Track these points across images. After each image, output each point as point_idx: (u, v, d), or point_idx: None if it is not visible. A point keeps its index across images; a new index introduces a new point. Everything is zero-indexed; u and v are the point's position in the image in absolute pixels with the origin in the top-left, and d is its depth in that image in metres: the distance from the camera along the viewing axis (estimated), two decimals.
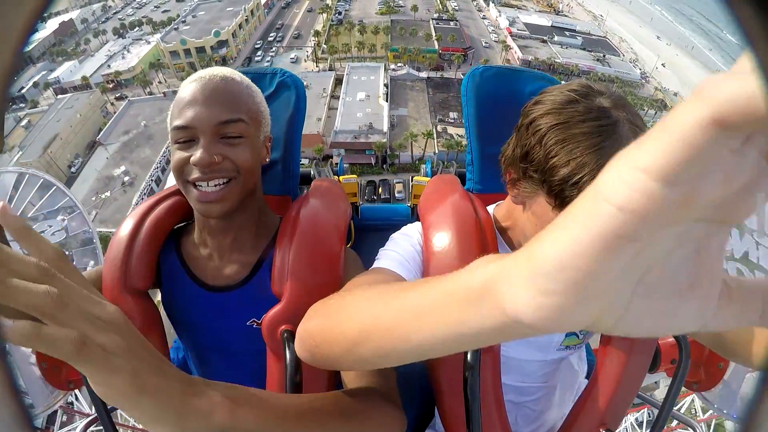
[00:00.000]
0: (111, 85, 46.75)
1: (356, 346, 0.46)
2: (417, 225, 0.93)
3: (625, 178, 0.21)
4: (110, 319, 0.40)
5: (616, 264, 0.23)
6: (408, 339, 0.39)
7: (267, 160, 0.94)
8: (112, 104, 45.24)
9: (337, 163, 1.68)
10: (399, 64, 47.12)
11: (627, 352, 0.88)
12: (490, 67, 1.07)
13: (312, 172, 1.39)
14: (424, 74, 44.71)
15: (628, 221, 0.21)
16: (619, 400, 0.89)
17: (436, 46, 49.46)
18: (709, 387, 1.27)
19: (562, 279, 0.24)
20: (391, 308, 0.42)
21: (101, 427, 0.88)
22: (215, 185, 0.83)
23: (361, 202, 1.53)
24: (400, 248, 0.85)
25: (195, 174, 0.82)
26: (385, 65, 45.63)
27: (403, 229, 0.94)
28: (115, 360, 0.39)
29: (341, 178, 1.53)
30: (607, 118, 0.67)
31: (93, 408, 0.88)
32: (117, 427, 0.89)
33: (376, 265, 0.83)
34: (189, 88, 0.85)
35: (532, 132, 0.73)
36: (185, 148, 0.83)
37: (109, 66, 48.75)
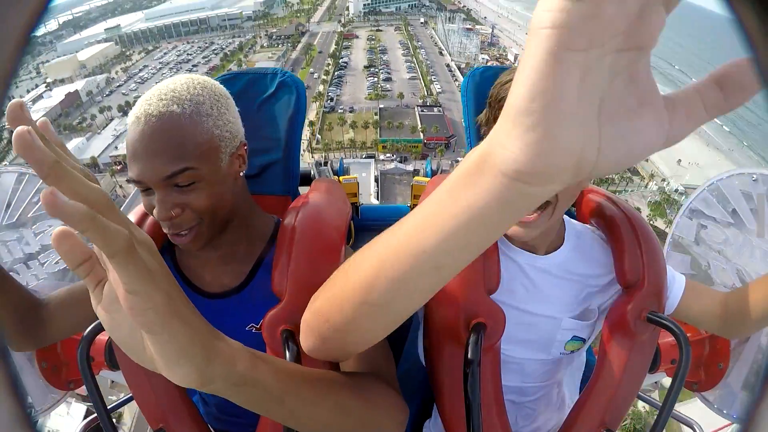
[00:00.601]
0: (119, 167, 46.49)
1: (370, 291, 0.45)
2: None
3: (545, 7, 0.27)
4: (146, 241, 0.40)
5: (570, 79, 0.27)
6: (422, 251, 0.39)
7: (242, 171, 0.89)
8: (120, 187, 45.14)
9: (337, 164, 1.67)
10: (388, 155, 52.94)
11: (627, 352, 0.87)
12: (490, 67, 1.07)
13: (312, 172, 1.39)
14: (410, 167, 47.74)
15: (559, 34, 0.26)
16: (620, 401, 0.89)
17: (422, 137, 55.08)
18: (709, 387, 1.27)
19: (535, 108, 0.28)
20: (398, 233, 0.42)
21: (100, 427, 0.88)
22: (182, 233, 0.83)
23: (361, 203, 1.53)
24: None
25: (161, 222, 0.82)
26: (375, 157, 51.22)
27: None
28: (155, 276, 0.39)
29: (341, 178, 1.53)
30: None
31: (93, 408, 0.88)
32: (117, 428, 0.89)
33: None
34: (131, 131, 0.79)
35: (501, 77, 0.85)
36: (147, 194, 0.82)
37: (116, 147, 48.80)
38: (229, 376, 0.46)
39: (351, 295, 0.48)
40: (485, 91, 0.98)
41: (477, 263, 0.84)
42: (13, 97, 0.37)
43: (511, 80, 0.74)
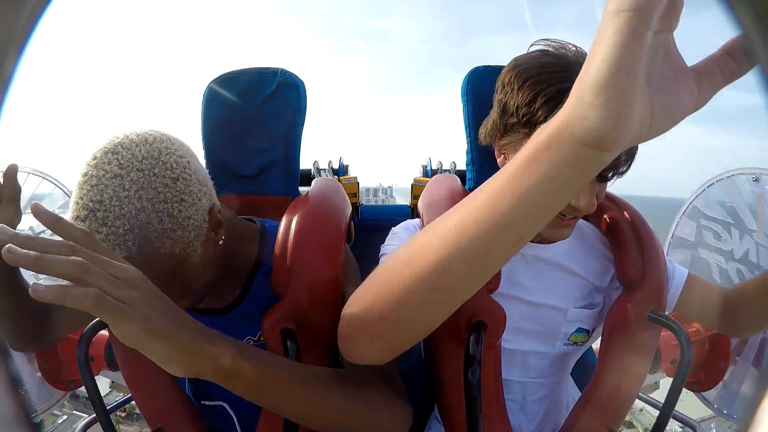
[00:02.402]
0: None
1: (444, 276, 0.45)
2: (416, 220, 0.94)
3: None
4: (127, 277, 0.50)
5: (643, 55, 0.33)
6: (504, 222, 0.41)
7: (221, 237, 0.76)
8: None
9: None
10: None
11: (628, 352, 0.87)
12: (490, 66, 1.07)
13: (312, 172, 1.39)
14: None
15: (640, 16, 0.32)
16: (620, 400, 0.89)
17: None
18: (709, 387, 1.27)
19: (618, 81, 0.33)
20: (470, 209, 0.44)
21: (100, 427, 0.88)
22: None
23: (361, 203, 1.53)
24: (403, 240, 0.87)
25: None
26: None
27: (402, 223, 0.95)
28: (129, 310, 0.48)
29: (341, 178, 1.52)
30: (565, 56, 0.77)
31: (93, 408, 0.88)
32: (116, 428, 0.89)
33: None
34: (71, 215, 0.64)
35: (508, 87, 0.79)
36: None
37: None
38: (215, 371, 0.55)
39: (418, 284, 0.47)
40: (485, 90, 0.97)
41: None
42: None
43: (531, 76, 0.75)
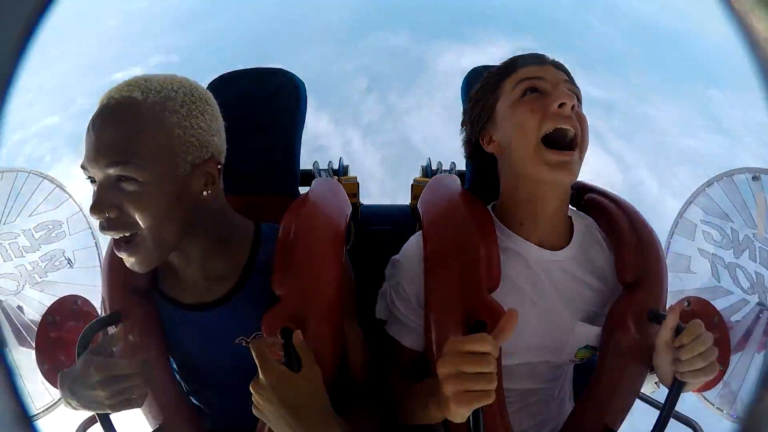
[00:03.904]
0: None
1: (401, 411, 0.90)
2: (415, 241, 0.94)
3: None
4: (287, 379, 0.74)
5: None
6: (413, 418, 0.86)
7: (208, 191, 0.78)
8: None
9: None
10: None
11: (628, 351, 0.87)
12: (489, 66, 1.07)
13: (312, 173, 1.39)
14: None
15: None
16: (621, 401, 0.89)
17: None
18: (709, 387, 1.27)
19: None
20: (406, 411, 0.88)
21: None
22: (120, 238, 0.74)
23: (361, 203, 1.53)
24: (402, 305, 0.93)
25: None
26: None
27: (404, 250, 0.97)
28: (273, 408, 0.72)
29: (341, 178, 1.52)
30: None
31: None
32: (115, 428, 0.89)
33: (390, 331, 0.95)
34: (95, 112, 0.73)
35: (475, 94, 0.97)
36: (93, 185, 0.73)
37: None
38: None
39: (402, 418, 0.91)
40: None
41: (476, 262, 0.84)
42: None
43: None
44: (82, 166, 0.72)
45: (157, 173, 0.71)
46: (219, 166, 0.80)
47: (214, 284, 0.86)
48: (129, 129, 0.70)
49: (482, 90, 0.95)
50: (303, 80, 1.14)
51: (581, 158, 0.85)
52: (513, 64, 0.91)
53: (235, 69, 1.14)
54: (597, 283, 0.93)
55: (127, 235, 0.73)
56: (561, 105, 0.81)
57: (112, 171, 0.70)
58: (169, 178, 0.73)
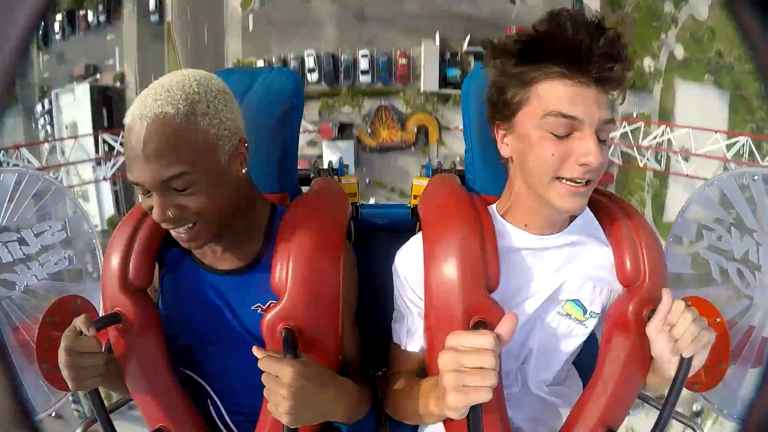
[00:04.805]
0: None
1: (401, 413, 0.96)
2: (416, 247, 0.93)
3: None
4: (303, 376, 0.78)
5: None
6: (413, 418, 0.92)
7: (244, 168, 0.89)
8: None
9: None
10: None
11: (628, 351, 0.87)
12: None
13: (312, 173, 1.39)
14: None
15: None
16: (621, 400, 0.89)
17: None
18: (709, 387, 1.27)
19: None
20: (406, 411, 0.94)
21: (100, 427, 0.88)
22: (182, 230, 0.84)
23: (361, 203, 1.53)
24: (406, 313, 0.95)
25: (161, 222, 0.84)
26: None
27: (402, 256, 0.96)
28: (288, 396, 0.77)
29: (341, 178, 1.52)
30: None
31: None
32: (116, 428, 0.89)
33: (396, 339, 0.98)
34: (127, 134, 0.80)
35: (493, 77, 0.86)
36: (147, 196, 0.83)
37: None
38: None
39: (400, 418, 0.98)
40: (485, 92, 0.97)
41: (475, 263, 0.85)
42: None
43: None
44: (135, 183, 0.81)
45: (204, 172, 0.81)
46: (246, 144, 0.90)
47: (236, 258, 0.94)
48: (172, 142, 0.78)
49: (510, 71, 0.82)
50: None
51: (594, 187, 0.84)
52: (551, 63, 0.77)
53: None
54: (594, 267, 0.94)
55: (190, 225, 0.84)
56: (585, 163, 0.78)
57: (166, 182, 0.79)
58: (214, 172, 0.83)
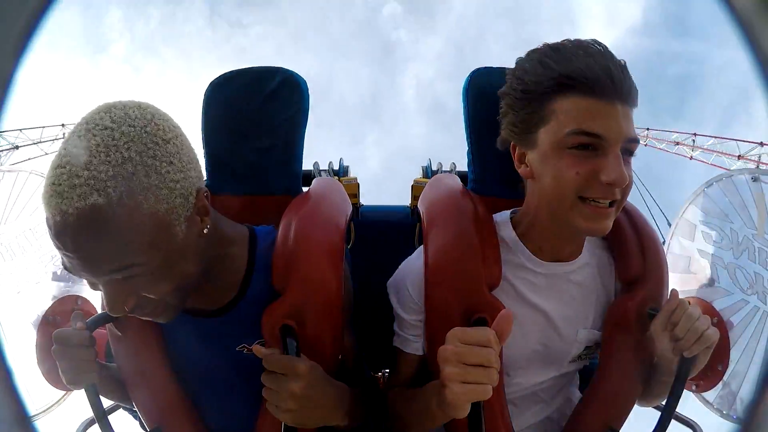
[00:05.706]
0: None
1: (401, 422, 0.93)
2: (418, 261, 0.92)
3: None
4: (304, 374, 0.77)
5: None
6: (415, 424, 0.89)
7: (206, 226, 0.74)
8: None
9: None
10: None
11: (629, 350, 0.87)
12: (490, 67, 1.07)
13: (312, 173, 1.39)
14: None
15: None
16: (623, 399, 0.89)
17: None
18: (709, 387, 1.27)
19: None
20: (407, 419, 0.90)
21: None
22: (147, 311, 0.73)
23: (361, 203, 1.53)
24: (406, 324, 0.92)
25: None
26: None
27: (403, 271, 0.95)
28: (292, 399, 0.75)
29: (341, 178, 1.52)
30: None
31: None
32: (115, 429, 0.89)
33: (398, 343, 0.95)
34: (51, 229, 0.62)
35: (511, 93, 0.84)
36: (94, 286, 0.70)
37: None
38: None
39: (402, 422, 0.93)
40: (485, 92, 0.97)
41: (476, 259, 0.85)
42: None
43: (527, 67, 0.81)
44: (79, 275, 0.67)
45: (159, 254, 0.66)
46: (205, 193, 0.74)
47: (216, 293, 0.85)
48: (111, 239, 0.62)
49: (530, 89, 0.80)
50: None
51: (619, 210, 0.81)
52: (574, 76, 0.75)
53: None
54: (602, 287, 0.93)
55: (157, 308, 0.72)
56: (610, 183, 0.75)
57: (114, 276, 0.65)
58: (173, 251, 0.68)
